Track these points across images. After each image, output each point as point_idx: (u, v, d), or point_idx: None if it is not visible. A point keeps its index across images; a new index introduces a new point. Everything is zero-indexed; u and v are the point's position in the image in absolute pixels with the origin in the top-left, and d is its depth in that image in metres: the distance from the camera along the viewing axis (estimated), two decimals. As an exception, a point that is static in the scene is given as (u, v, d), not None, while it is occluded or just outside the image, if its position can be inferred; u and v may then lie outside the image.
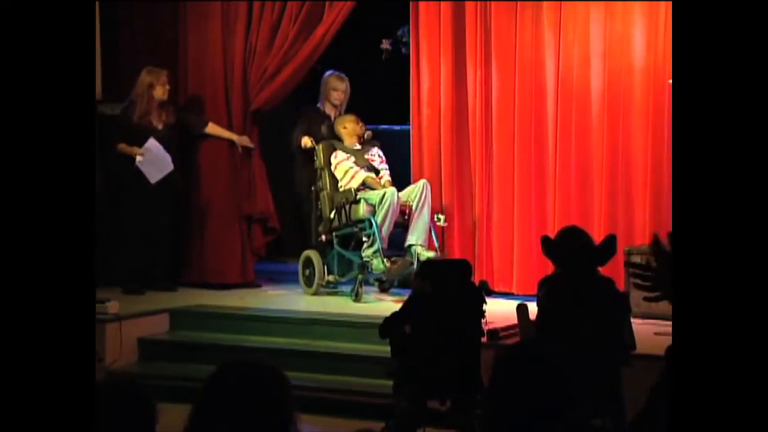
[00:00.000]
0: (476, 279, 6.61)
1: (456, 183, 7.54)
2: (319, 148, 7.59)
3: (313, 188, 7.65)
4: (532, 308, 4.72)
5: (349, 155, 7.52)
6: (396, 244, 7.26)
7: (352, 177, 7.43)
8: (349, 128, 7.60)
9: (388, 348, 4.85)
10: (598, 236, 5.22)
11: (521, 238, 7.41)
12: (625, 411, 4.35)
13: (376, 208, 7.11)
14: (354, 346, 6.30)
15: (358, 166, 7.49)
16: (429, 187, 7.27)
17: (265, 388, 2.39)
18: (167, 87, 7.58)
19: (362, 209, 7.20)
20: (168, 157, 7.55)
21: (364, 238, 7.16)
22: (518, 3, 7.41)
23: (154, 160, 7.48)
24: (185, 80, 8.03)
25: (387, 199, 7.06)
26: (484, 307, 4.80)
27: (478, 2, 7.51)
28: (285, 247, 8.66)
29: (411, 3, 7.75)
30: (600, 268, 4.58)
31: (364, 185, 7.41)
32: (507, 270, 7.41)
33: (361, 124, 7.65)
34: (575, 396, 2.44)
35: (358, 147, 7.61)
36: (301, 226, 8.42)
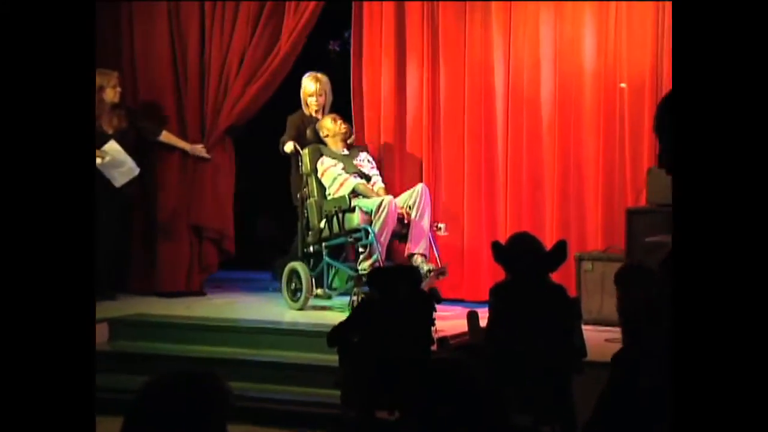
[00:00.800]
0: (437, 282, 6.64)
1: (404, 187, 7.40)
2: (305, 153, 7.27)
3: (299, 195, 7.34)
4: (484, 315, 4.73)
5: (336, 161, 7.20)
6: (390, 254, 7.02)
7: (342, 184, 7.11)
8: (330, 131, 7.30)
9: (337, 357, 4.84)
10: (550, 242, 5.24)
11: (471, 244, 7.45)
12: (576, 419, 4.37)
13: (373, 216, 6.76)
14: (301, 355, 6.21)
15: (347, 172, 7.16)
16: (428, 192, 6.98)
17: (200, 397, 2.35)
18: (119, 90, 7.49)
19: (357, 218, 6.86)
20: (131, 161, 7.46)
21: (360, 249, 6.89)
22: (467, 3, 7.44)
23: (116, 163, 7.41)
24: (133, 84, 7.94)
25: (384, 207, 6.73)
26: (434, 314, 4.78)
27: (425, 2, 7.53)
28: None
29: (354, 3, 7.75)
30: (551, 274, 4.61)
31: (355, 193, 7.06)
32: (457, 276, 7.42)
33: (340, 122, 7.32)
34: (502, 405, 2.45)
35: (346, 152, 7.30)
36: (248, 234, 8.37)
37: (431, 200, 7.04)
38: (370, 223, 6.79)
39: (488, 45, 7.40)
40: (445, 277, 6.78)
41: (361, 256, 6.87)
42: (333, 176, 7.16)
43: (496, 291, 4.57)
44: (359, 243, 6.90)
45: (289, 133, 7.46)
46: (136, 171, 7.49)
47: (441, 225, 6.97)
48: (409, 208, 6.93)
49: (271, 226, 9.17)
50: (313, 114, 7.52)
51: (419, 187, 7.01)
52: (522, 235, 4.72)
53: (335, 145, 7.31)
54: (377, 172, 7.35)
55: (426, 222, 6.89)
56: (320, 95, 7.49)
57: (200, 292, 7.89)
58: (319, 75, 7.53)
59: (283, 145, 7.39)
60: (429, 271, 6.66)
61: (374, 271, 5.44)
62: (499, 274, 4.75)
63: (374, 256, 6.70)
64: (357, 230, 6.86)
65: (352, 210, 6.92)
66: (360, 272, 6.77)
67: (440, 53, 7.52)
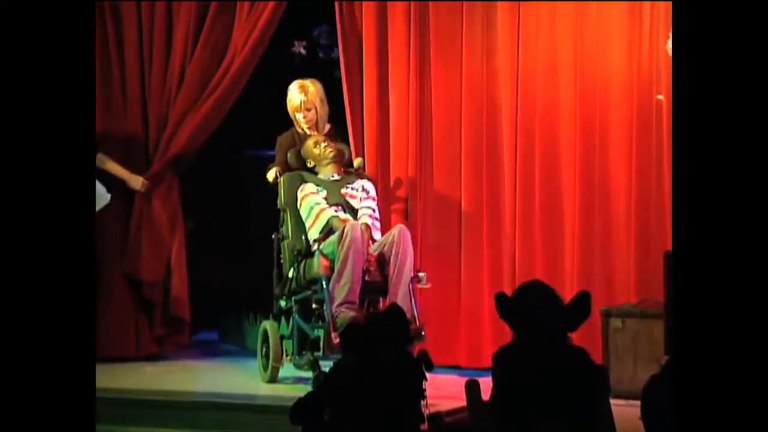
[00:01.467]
0: (413, 348, 6.58)
1: (383, 226, 7.28)
2: (281, 182, 7.23)
3: (273, 236, 7.29)
4: (486, 385, 4.71)
5: (320, 188, 7.12)
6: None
7: (317, 216, 7.00)
8: (315, 157, 7.22)
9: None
10: (569, 293, 5.22)
11: (470, 296, 7.45)
12: None
13: (336, 256, 6.63)
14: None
15: (329, 203, 7.05)
16: (408, 235, 6.79)
17: None
18: None
19: (317, 265, 6.72)
20: (100, 186, 7.45)
21: (314, 305, 6.84)
22: (464, 3, 7.49)
23: None
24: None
25: (347, 234, 6.60)
26: (424, 384, 4.75)
27: (412, 2, 7.57)
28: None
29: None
30: (571, 335, 4.57)
31: (329, 230, 6.91)
32: (452, 337, 7.40)
33: (325, 145, 7.21)
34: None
35: (336, 177, 7.22)
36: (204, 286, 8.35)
37: (412, 243, 6.83)
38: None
39: (492, 49, 7.43)
40: (422, 342, 6.52)
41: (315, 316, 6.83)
42: (310, 206, 7.05)
43: (502, 356, 4.51)
44: (315, 297, 6.84)
45: (278, 158, 7.44)
46: (107, 197, 7.45)
47: (422, 274, 6.79)
48: (387, 255, 6.77)
49: (218, 273, 9.13)
50: (306, 131, 7.42)
51: (396, 229, 6.87)
52: (534, 284, 4.67)
53: (325, 170, 7.24)
54: (370, 205, 7.17)
55: (407, 274, 6.73)
56: (309, 109, 7.37)
57: (160, 356, 7.89)
58: (308, 83, 7.41)
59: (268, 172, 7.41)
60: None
61: (347, 328, 5.40)
62: (505, 334, 4.74)
63: (327, 317, 6.59)
64: (316, 281, 6.75)
65: (312, 254, 6.83)
66: (315, 335, 6.72)
67: (430, 59, 7.55)
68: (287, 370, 7.11)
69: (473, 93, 7.49)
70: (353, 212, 7.10)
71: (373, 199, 7.21)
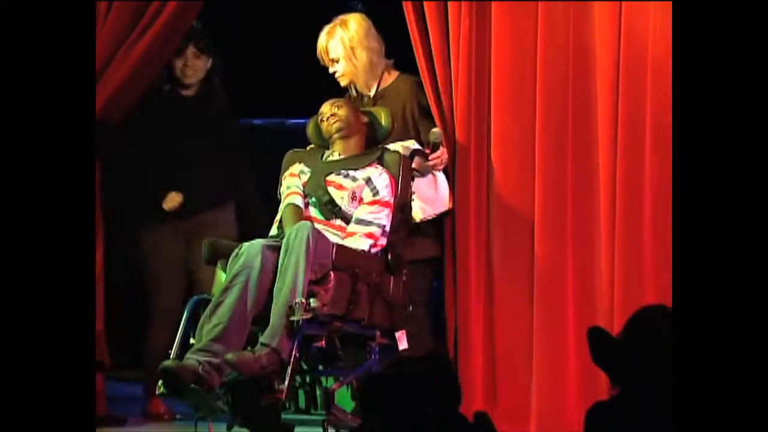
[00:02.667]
0: (467, 409, 6.23)
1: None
2: (284, 162, 7.45)
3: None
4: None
5: (306, 171, 7.22)
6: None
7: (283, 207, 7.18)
8: (323, 131, 7.32)
9: None
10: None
11: (547, 335, 7.38)
12: None
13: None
14: None
15: (305, 191, 7.14)
16: (306, 237, 6.50)
17: None
18: None
19: (219, 281, 6.80)
20: None
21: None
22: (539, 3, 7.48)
23: None
24: None
25: (240, 256, 6.58)
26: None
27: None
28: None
29: None
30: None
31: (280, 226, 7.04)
32: (521, 395, 7.38)
33: (334, 113, 7.22)
34: None
35: (337, 157, 7.24)
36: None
37: (318, 247, 6.55)
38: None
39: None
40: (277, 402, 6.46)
41: None
42: (282, 192, 7.17)
43: (601, 415, 4.39)
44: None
45: None
46: None
47: (297, 300, 6.40)
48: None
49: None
50: (352, 93, 7.62)
51: (297, 227, 6.63)
52: (654, 313, 4.53)
53: (332, 148, 7.30)
54: (372, 218, 6.95)
55: (287, 286, 6.45)
56: (335, 59, 7.53)
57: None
58: (339, 23, 7.58)
59: None
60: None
61: (370, 383, 5.26)
62: (599, 392, 4.92)
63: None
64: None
65: (214, 262, 6.89)
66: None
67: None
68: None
69: (553, 33, 7.38)
70: (334, 209, 7.01)
71: (384, 204, 6.99)
